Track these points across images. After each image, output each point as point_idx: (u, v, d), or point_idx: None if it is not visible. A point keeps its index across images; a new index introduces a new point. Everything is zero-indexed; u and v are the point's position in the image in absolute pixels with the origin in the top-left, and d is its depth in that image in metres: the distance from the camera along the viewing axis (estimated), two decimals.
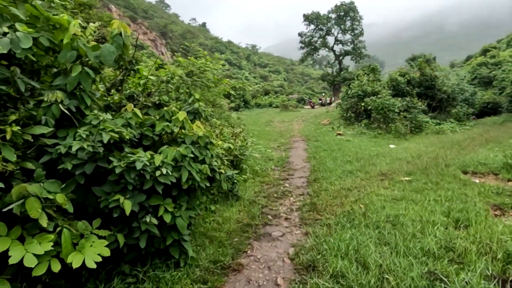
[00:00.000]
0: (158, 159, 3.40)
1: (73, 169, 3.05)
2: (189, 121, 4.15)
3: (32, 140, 2.97)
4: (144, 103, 6.24)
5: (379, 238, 4.25)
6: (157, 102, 6.35)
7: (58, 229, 2.81)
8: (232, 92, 7.48)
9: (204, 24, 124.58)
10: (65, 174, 3.09)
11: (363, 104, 16.89)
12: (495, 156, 8.29)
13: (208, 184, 4.06)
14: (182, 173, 3.65)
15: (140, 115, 3.90)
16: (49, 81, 3.65)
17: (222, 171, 4.60)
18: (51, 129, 3.09)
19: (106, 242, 3.00)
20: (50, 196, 2.77)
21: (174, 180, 3.51)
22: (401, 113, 15.18)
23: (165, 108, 4.37)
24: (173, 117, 4.17)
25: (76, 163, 3.06)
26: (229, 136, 8.43)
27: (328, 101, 43.51)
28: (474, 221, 4.54)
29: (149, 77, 4.83)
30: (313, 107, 38.34)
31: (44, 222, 2.67)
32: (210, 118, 8.88)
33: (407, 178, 6.89)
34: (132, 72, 5.98)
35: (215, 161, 4.55)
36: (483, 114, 27.12)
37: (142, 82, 4.61)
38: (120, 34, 3.85)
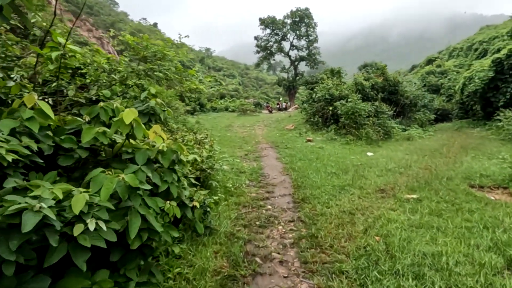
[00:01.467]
0: (78, 201, 1.70)
1: None
2: (142, 125, 2.47)
3: None
4: (74, 98, 4.41)
5: None
6: (93, 98, 4.54)
7: None
8: (204, 88, 5.80)
9: (155, 25, 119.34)
10: None
11: (331, 108, 15.99)
12: (490, 166, 7.55)
13: (176, 235, 2.42)
14: (130, 223, 1.98)
15: (51, 114, 2.16)
16: None
17: (197, 204, 2.97)
18: None
19: None
20: None
21: (113, 239, 1.83)
22: (370, 118, 14.48)
23: (102, 103, 2.65)
24: (115, 119, 2.47)
25: None
26: (192, 145, 6.73)
27: (284, 106, 43.10)
28: None
29: (71, 47, 3.03)
30: (271, 111, 37.49)
31: None
32: (169, 122, 7.14)
33: (413, 196, 5.74)
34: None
35: (184, 187, 2.93)
36: (434, 120, 28.06)
37: (55, 55, 2.79)
38: None
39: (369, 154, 10.77)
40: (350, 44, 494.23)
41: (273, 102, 50.63)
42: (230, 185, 6.46)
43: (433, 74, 36.88)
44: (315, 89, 19.26)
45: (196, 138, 7.86)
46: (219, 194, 5.69)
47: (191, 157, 5.37)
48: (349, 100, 14.94)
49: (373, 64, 48.74)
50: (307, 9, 51.81)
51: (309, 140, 13.62)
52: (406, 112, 18.82)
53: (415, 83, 32.65)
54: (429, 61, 48.99)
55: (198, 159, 5.41)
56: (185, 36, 5.75)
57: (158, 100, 3.84)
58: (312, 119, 17.46)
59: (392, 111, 16.41)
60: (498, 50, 32.03)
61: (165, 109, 3.94)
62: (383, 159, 9.30)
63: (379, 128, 14.06)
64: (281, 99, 51.79)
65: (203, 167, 5.73)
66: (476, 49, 38.33)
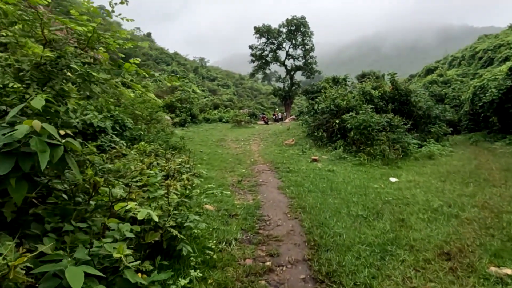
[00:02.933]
0: None
1: None
2: None
3: None
4: None
5: None
6: None
7: None
8: (154, 97, 3.63)
9: (149, 34, 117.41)
10: None
11: (337, 121, 13.90)
12: None
13: None
14: None
15: None
16: None
17: None
18: None
19: None
20: None
21: None
22: (386, 133, 12.36)
23: None
24: None
25: None
26: (158, 181, 4.50)
27: (280, 117, 41.21)
28: None
29: None
30: (266, 122, 35.46)
31: None
32: (105, 159, 4.93)
33: (507, 272, 3.57)
34: None
35: None
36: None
37: None
38: None
39: (393, 179, 8.62)
40: (344, 54, 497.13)
41: (268, 112, 48.72)
42: (212, 246, 4.21)
43: (436, 84, 35.18)
44: (317, 99, 17.22)
45: (169, 167, 5.65)
46: (193, 272, 3.46)
47: (141, 214, 3.18)
48: (360, 112, 12.87)
49: (371, 73, 47.15)
50: (303, 17, 50.39)
51: (314, 160, 11.47)
52: (420, 125, 16.78)
53: (422, 93, 30.96)
54: (428, 71, 47.59)
55: (155, 217, 3.18)
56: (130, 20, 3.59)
57: (37, 122, 1.67)
58: (315, 133, 15.30)
59: (408, 125, 14.29)
60: (507, 58, 30.56)
61: (59, 142, 1.76)
62: (417, 190, 7.16)
63: (397, 145, 11.95)
64: (277, 109, 49.98)
65: (167, 226, 3.51)
66: (480, 58, 36.83)
